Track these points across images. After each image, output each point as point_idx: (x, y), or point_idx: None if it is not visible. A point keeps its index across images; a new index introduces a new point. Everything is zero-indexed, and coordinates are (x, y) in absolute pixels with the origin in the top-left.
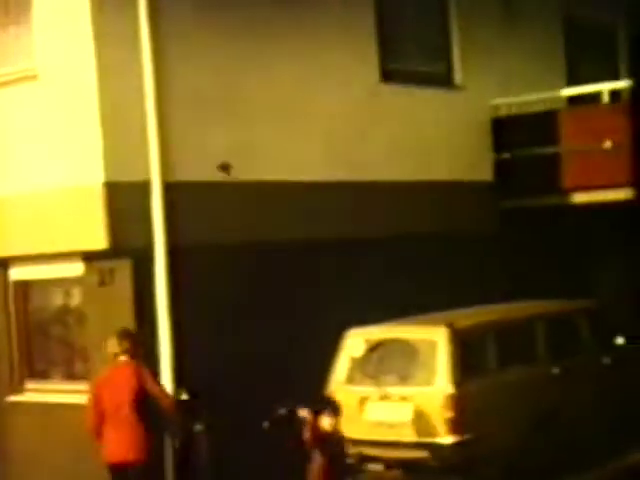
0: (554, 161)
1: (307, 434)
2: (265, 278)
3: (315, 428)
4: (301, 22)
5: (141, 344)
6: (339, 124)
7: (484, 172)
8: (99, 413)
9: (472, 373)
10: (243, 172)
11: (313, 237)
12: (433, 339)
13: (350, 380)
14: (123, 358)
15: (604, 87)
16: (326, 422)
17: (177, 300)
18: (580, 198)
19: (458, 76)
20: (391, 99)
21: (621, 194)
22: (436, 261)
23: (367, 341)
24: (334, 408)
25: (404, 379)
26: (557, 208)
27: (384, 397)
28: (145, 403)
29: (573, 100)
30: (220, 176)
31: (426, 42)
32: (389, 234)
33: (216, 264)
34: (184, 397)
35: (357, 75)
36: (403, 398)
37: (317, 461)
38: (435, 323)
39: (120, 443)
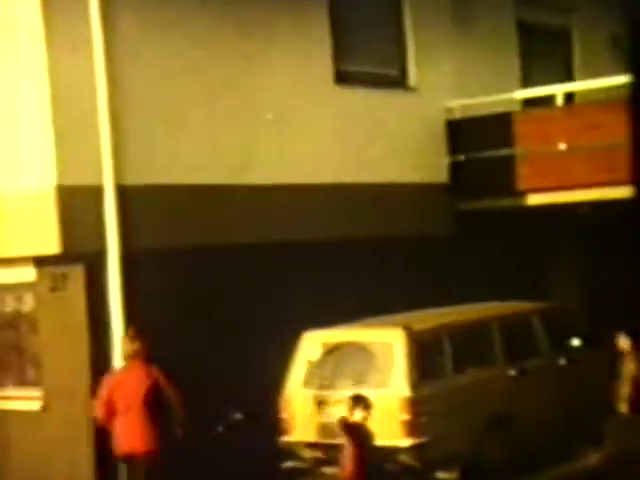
0: (509, 163)
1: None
2: (219, 281)
3: (348, 421)
4: (254, 24)
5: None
6: (292, 126)
7: (439, 174)
8: (110, 409)
9: (428, 376)
10: (196, 175)
11: (266, 240)
12: (389, 342)
13: (306, 383)
14: (135, 359)
15: (558, 89)
16: (359, 415)
17: (131, 305)
18: (535, 200)
19: (412, 78)
20: (345, 101)
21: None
22: (391, 263)
23: (323, 344)
24: (366, 404)
25: (360, 382)
26: (513, 209)
27: (340, 400)
28: (156, 401)
29: (528, 102)
30: (173, 179)
31: (380, 44)
32: (344, 236)
33: (170, 268)
34: None
35: (310, 77)
36: None
37: (349, 449)
38: (391, 326)
39: (131, 436)
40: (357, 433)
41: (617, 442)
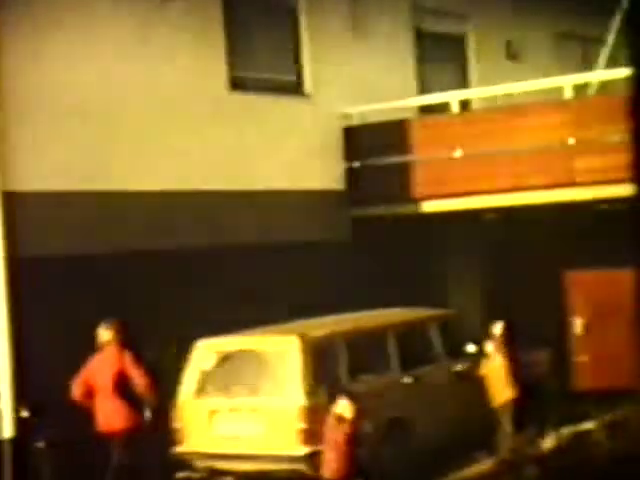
0: (405, 170)
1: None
2: (111, 288)
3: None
4: (148, 28)
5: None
6: (188, 133)
7: (335, 180)
8: (86, 390)
9: (324, 383)
10: (90, 181)
11: (165, 247)
12: (285, 350)
13: (199, 392)
14: (110, 345)
15: (453, 96)
16: (341, 406)
17: (17, 313)
18: (431, 207)
19: (308, 85)
20: (240, 108)
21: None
22: (287, 270)
23: (217, 352)
24: (349, 394)
25: (255, 391)
26: (411, 216)
27: (234, 409)
28: (127, 383)
29: (424, 109)
30: (65, 185)
31: (276, 51)
32: (242, 242)
33: (60, 275)
34: (24, 414)
35: (205, 84)
36: (254, 410)
37: (338, 435)
38: (286, 333)
39: (106, 416)
40: (345, 424)
41: (509, 447)
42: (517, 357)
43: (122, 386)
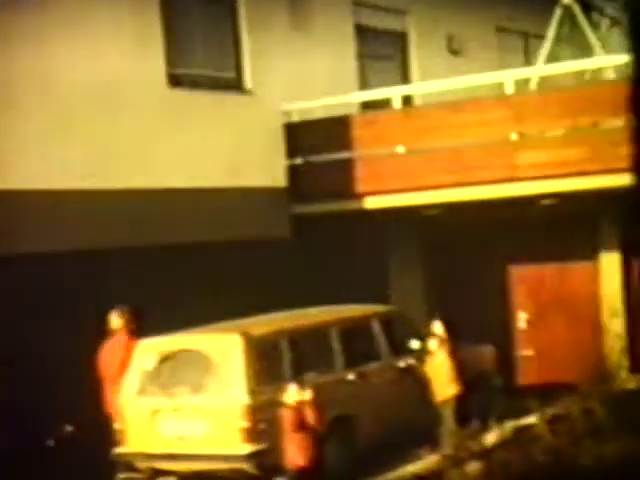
0: (347, 166)
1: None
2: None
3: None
4: (84, 24)
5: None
6: (127, 131)
7: (276, 177)
8: (99, 374)
9: (267, 382)
10: (32, 180)
11: (103, 245)
12: (227, 348)
13: (141, 392)
14: (119, 333)
15: (395, 92)
16: (290, 393)
17: None
18: (373, 203)
19: (248, 81)
20: (179, 105)
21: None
22: (229, 268)
23: (159, 352)
24: (299, 382)
25: (198, 390)
26: (353, 212)
27: (177, 409)
28: None
29: (366, 105)
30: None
31: (216, 47)
32: (182, 241)
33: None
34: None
35: (143, 80)
36: (197, 409)
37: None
38: (229, 331)
39: (109, 401)
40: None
41: (452, 442)
42: (458, 353)
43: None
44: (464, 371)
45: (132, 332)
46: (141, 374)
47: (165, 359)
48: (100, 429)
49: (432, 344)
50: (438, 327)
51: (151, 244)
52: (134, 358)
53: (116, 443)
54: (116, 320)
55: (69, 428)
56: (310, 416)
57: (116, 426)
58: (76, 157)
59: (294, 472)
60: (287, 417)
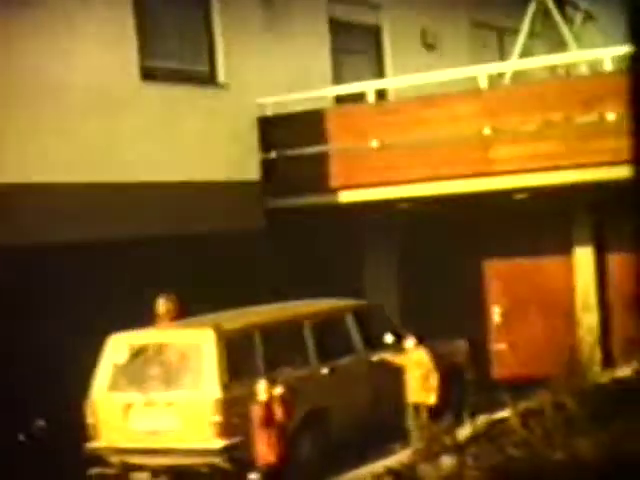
0: (321, 160)
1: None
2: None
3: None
4: (56, 18)
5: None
6: (99, 125)
7: (250, 171)
8: None
9: (240, 376)
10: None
11: (75, 239)
12: (199, 342)
13: (113, 387)
14: (165, 318)
15: (369, 86)
16: (260, 389)
17: None
18: (347, 197)
19: (222, 75)
20: (153, 98)
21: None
22: (202, 261)
23: (130, 346)
24: (270, 379)
25: (170, 384)
26: (327, 206)
27: (149, 403)
28: None
29: (340, 99)
30: None
31: (189, 41)
32: (153, 235)
33: None
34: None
35: (115, 73)
36: (169, 404)
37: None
38: (201, 326)
39: None
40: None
41: (426, 436)
42: (433, 351)
43: None
44: (438, 367)
45: (175, 318)
46: (113, 368)
47: (137, 353)
48: (73, 424)
49: (409, 342)
50: (411, 343)
51: (121, 238)
52: (105, 352)
53: (88, 438)
54: (163, 305)
55: (41, 423)
56: (279, 412)
57: (88, 421)
58: (50, 151)
59: (264, 468)
60: (256, 413)
